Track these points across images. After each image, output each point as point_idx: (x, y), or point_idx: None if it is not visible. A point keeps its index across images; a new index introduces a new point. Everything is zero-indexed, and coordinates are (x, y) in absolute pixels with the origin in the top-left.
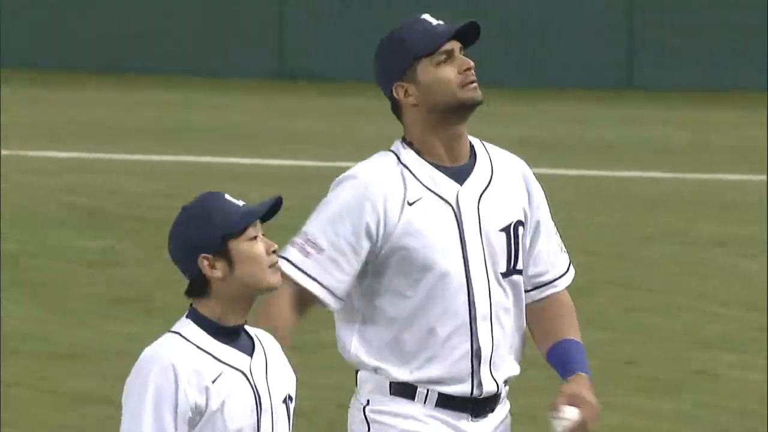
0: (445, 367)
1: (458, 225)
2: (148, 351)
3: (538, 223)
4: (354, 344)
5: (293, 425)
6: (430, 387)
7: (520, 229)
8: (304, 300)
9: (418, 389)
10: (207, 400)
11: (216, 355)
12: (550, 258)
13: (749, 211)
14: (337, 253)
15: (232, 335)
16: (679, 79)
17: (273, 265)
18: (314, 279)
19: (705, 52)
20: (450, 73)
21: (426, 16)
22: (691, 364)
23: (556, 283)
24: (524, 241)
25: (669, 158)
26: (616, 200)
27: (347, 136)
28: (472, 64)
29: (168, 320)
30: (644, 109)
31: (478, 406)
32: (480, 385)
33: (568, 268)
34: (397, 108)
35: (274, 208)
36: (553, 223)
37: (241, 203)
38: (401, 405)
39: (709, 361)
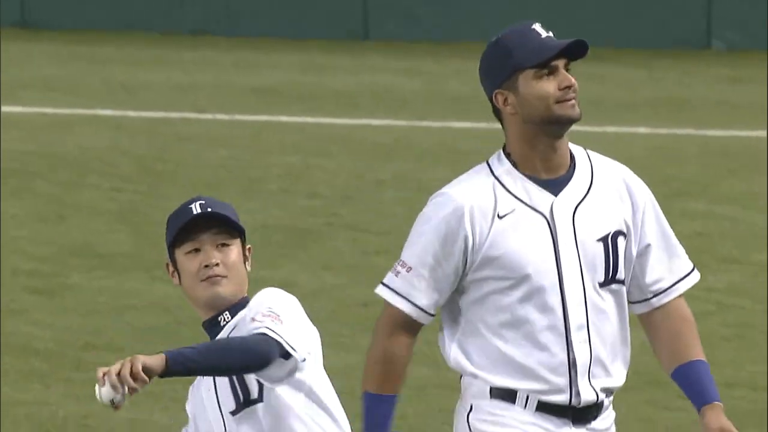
0: (542, 377)
1: (552, 236)
2: None
3: (644, 232)
4: (453, 352)
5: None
6: (530, 394)
7: (620, 239)
8: (405, 323)
9: (518, 394)
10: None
11: None
12: (666, 264)
13: (477, 157)
14: (428, 270)
15: (211, 330)
16: (411, 31)
17: (205, 279)
18: (404, 297)
19: (436, 5)
20: (549, 87)
21: (536, 27)
22: None
23: (676, 287)
24: (628, 251)
25: (402, 107)
26: (350, 147)
27: (88, 84)
28: (573, 82)
29: None
30: (378, 59)
31: (578, 413)
32: (578, 394)
33: (690, 272)
34: (497, 114)
35: (204, 219)
36: (668, 227)
37: (196, 211)
38: (502, 410)
39: None
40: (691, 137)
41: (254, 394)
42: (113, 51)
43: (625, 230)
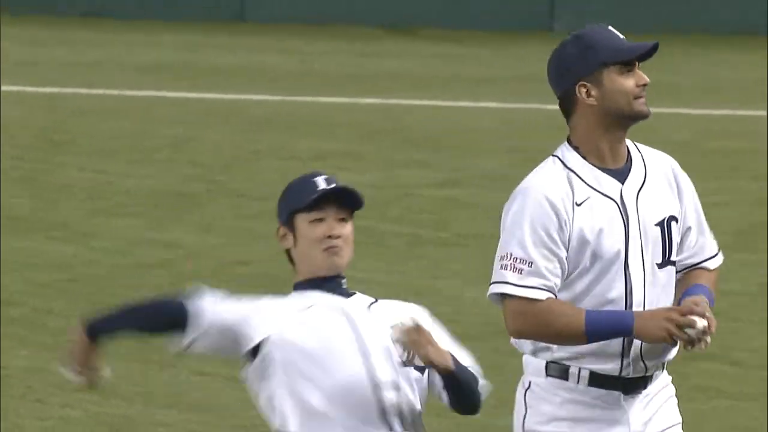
0: (598, 344)
1: (623, 220)
2: None
3: (687, 216)
4: None
5: None
6: (582, 365)
7: (673, 223)
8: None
9: (570, 369)
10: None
11: None
12: (699, 245)
13: (344, 129)
14: (545, 260)
15: (327, 286)
16: (284, 14)
17: (328, 249)
18: (540, 288)
19: None
20: (630, 84)
21: (611, 28)
22: None
23: (703, 264)
24: (677, 235)
25: (275, 83)
26: (229, 119)
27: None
28: (648, 80)
29: None
30: (254, 40)
31: (629, 384)
32: (629, 365)
33: (716, 253)
34: (570, 105)
35: (343, 195)
36: (701, 212)
37: (323, 185)
38: (556, 387)
39: None
40: (537, 110)
41: None
42: (14, 32)
43: (676, 215)
